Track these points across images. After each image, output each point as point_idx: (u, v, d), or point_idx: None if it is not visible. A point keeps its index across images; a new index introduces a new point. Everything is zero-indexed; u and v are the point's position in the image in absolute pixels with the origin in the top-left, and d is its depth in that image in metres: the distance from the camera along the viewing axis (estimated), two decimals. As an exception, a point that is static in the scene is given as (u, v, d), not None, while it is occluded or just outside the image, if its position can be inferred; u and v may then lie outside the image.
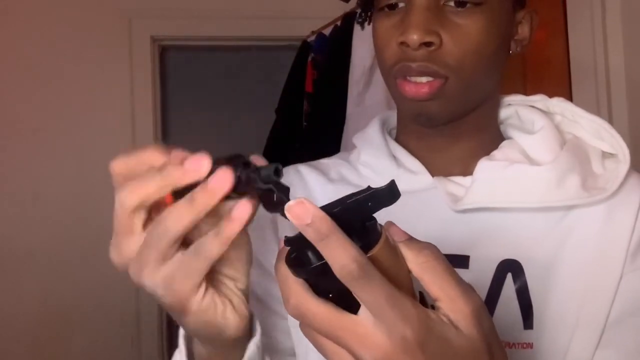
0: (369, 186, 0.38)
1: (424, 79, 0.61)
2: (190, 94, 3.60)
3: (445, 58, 0.61)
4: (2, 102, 2.48)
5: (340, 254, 0.36)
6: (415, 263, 0.39)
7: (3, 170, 2.47)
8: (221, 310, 0.45)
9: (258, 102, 3.17)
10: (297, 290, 0.38)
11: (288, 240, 0.39)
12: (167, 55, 3.08)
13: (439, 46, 0.61)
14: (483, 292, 0.62)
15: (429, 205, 0.66)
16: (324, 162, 0.78)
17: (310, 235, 0.36)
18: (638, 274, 0.61)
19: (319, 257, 0.37)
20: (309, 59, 2.33)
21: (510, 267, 0.62)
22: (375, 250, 0.38)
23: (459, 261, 0.63)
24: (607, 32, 1.87)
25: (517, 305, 0.61)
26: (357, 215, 0.38)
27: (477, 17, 0.61)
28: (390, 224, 0.40)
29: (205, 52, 3.48)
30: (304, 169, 0.76)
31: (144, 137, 2.56)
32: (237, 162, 0.40)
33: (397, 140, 0.73)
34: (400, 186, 0.68)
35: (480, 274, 0.62)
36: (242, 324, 0.47)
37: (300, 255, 0.38)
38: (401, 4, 0.63)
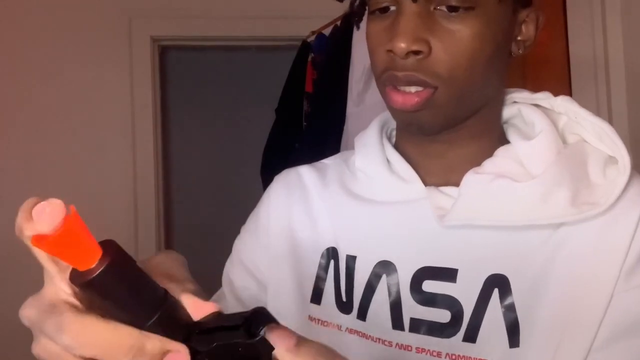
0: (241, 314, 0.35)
1: (412, 89, 0.59)
2: (190, 94, 3.60)
3: (435, 67, 0.58)
4: (1, 102, 2.48)
5: None
6: None
7: (3, 170, 2.47)
8: None
9: (258, 102, 3.16)
10: None
11: None
12: (167, 55, 3.08)
13: (428, 54, 0.58)
14: (469, 306, 0.60)
15: (420, 216, 0.64)
16: (326, 162, 0.78)
17: None
18: (633, 294, 0.56)
19: None
20: (309, 59, 2.33)
21: (497, 283, 0.59)
22: None
23: (447, 274, 0.61)
24: (607, 31, 1.87)
25: (503, 322, 0.58)
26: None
27: (470, 22, 0.58)
28: (272, 329, 0.34)
29: (205, 52, 3.48)
30: (304, 171, 0.76)
31: (144, 137, 2.57)
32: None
33: (396, 144, 0.71)
34: (393, 196, 0.67)
35: (467, 287, 0.60)
36: None
37: None
38: (392, 7, 0.60)
